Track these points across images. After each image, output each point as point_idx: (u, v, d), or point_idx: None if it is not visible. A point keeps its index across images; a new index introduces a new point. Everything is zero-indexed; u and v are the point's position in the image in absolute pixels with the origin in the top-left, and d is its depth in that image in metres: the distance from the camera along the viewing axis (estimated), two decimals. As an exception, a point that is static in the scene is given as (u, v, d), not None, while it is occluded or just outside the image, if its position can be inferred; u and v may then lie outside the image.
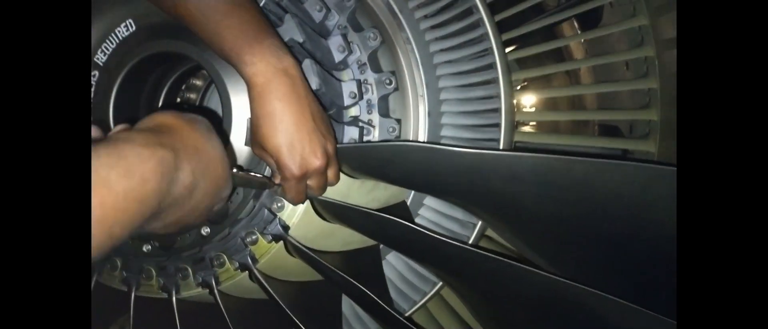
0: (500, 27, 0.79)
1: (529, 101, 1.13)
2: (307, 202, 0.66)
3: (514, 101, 0.78)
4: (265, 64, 0.56)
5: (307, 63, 0.63)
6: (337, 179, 0.64)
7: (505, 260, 0.52)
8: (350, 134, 0.70)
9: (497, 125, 0.76)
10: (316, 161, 0.58)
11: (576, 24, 1.08)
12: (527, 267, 0.51)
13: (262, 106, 0.57)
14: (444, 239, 0.56)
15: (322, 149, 0.59)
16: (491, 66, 0.76)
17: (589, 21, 1.00)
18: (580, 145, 0.84)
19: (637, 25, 0.82)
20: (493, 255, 0.53)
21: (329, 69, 0.69)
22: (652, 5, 0.81)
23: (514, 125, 0.77)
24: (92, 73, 0.72)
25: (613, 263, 0.58)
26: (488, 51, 0.76)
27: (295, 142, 0.57)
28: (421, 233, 0.57)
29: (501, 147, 0.76)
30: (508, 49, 0.81)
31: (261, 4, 0.65)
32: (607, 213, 0.52)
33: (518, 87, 0.95)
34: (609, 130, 1.04)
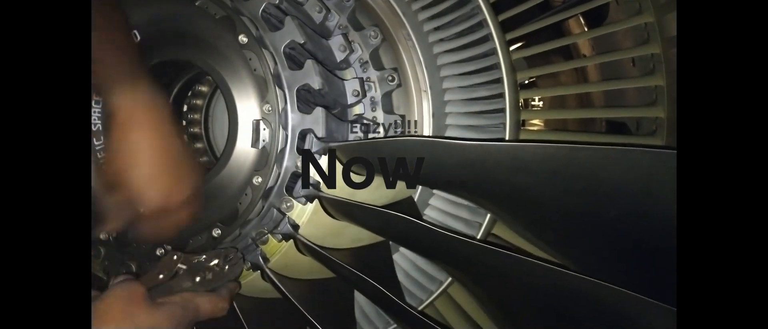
0: (505, 25, 0.78)
1: (535, 98, 1.12)
2: (316, 201, 0.66)
3: (521, 100, 0.78)
4: (132, 99, 0.55)
5: (309, 63, 0.64)
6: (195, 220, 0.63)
7: (512, 253, 0.52)
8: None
9: (502, 124, 0.75)
10: (178, 195, 0.58)
11: (582, 21, 1.08)
12: (534, 260, 0.51)
13: (122, 139, 0.56)
14: (452, 234, 0.56)
15: (185, 184, 0.59)
16: (496, 66, 0.76)
17: (596, 18, 1.00)
18: (587, 142, 0.84)
19: (643, 22, 0.82)
20: (500, 249, 0.53)
21: (332, 69, 0.70)
22: (657, 2, 0.80)
23: (519, 124, 0.77)
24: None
25: (618, 250, 0.58)
26: (492, 51, 0.75)
27: (156, 174, 0.56)
28: (429, 229, 0.57)
29: (506, 145, 0.75)
30: (513, 47, 0.80)
31: (261, 8, 0.66)
32: (612, 200, 0.53)
33: (526, 82, 0.94)
34: (616, 127, 1.04)
